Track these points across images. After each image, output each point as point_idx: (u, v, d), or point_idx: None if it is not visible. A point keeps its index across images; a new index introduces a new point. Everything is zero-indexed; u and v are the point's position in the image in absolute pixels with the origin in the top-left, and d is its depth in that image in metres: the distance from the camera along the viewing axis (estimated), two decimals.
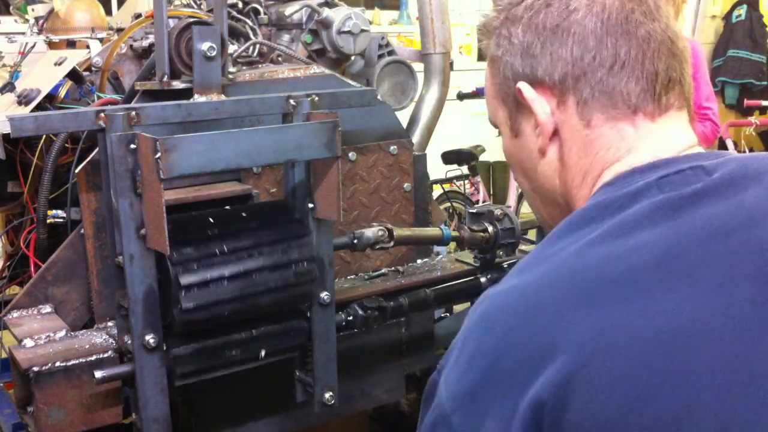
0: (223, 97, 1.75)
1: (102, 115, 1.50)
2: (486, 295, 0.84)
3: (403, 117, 2.23)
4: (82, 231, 1.70)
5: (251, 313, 1.58)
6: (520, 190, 5.45)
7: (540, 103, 0.92)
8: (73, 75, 1.98)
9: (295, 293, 1.62)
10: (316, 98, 1.71)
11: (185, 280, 1.45)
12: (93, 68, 2.05)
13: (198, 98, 1.72)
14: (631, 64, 0.89)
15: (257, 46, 2.06)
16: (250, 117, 1.83)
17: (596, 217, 0.82)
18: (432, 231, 1.94)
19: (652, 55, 0.89)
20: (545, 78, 0.91)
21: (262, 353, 1.64)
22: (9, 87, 2.06)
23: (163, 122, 1.62)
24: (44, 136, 1.91)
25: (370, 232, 1.77)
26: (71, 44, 2.33)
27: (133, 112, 1.53)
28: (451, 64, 2.37)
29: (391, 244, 1.80)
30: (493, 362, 0.77)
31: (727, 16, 7.69)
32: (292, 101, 1.68)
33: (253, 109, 1.71)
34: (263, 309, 1.59)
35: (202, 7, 2.19)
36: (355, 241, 1.77)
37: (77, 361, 1.56)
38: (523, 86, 0.93)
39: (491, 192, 5.94)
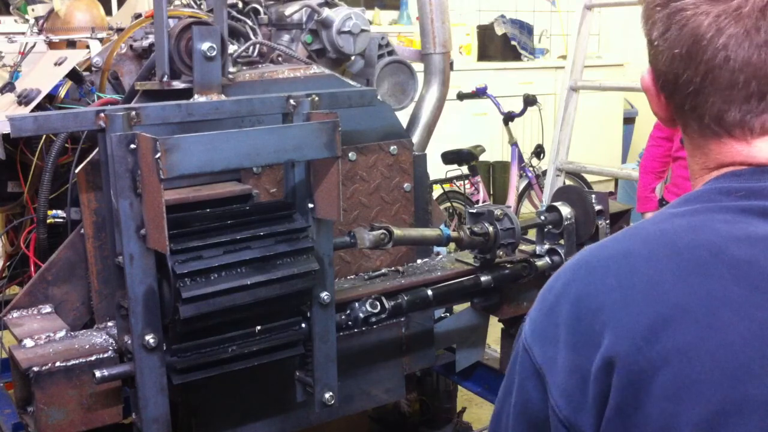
0: (223, 97, 1.75)
1: (102, 115, 1.51)
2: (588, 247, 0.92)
3: (403, 117, 2.23)
4: (82, 231, 1.70)
5: (251, 313, 1.60)
6: (520, 190, 5.45)
7: None
8: (73, 75, 1.98)
9: (295, 299, 1.64)
10: (317, 98, 1.71)
11: (186, 293, 1.47)
12: (93, 68, 2.05)
13: (198, 98, 1.72)
14: None
15: (257, 46, 2.06)
16: (250, 117, 1.83)
17: None
18: (431, 232, 1.94)
19: None
20: None
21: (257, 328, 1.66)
22: (9, 87, 2.06)
23: (163, 122, 1.62)
24: (44, 136, 1.91)
25: (371, 235, 1.77)
26: (71, 44, 2.33)
27: (133, 112, 1.54)
28: (451, 64, 2.37)
29: (390, 245, 1.81)
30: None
31: None
32: (292, 101, 1.69)
33: (253, 109, 1.71)
34: (262, 311, 1.60)
35: (202, 7, 2.19)
36: (354, 242, 1.77)
37: (77, 361, 1.56)
38: None
39: (491, 192, 5.94)
